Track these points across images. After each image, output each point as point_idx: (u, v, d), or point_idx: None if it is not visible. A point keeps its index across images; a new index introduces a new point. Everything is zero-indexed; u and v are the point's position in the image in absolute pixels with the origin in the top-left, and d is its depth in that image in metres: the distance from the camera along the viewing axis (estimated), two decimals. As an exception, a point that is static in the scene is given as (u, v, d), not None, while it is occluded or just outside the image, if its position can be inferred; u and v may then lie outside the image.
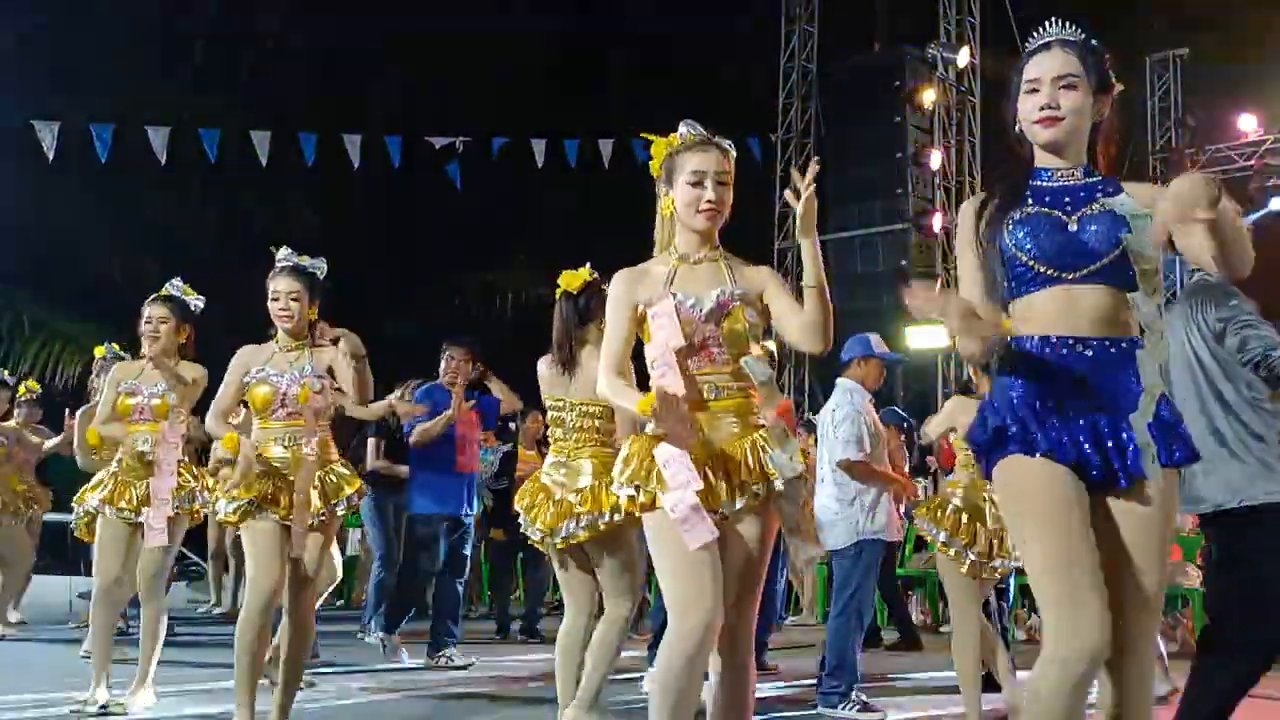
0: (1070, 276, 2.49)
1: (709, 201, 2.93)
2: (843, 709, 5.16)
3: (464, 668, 6.50)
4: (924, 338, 13.25)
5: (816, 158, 3.08)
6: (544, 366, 4.30)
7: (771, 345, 12.01)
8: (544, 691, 5.82)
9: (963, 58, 13.79)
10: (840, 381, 5.50)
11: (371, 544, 7.82)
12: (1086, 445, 2.43)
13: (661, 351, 2.87)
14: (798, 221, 2.81)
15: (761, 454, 2.84)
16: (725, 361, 2.90)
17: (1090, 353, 2.47)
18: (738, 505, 2.83)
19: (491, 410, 7.05)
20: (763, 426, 2.90)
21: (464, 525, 6.84)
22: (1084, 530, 2.39)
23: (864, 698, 5.21)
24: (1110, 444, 2.43)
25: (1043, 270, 2.50)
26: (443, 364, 6.71)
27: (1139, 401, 2.45)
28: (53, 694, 4.96)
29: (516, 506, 4.22)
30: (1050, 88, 2.52)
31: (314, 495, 4.00)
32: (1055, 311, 2.49)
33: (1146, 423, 2.43)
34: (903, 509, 7.07)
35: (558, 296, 4.29)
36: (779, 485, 2.82)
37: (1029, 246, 2.49)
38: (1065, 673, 2.28)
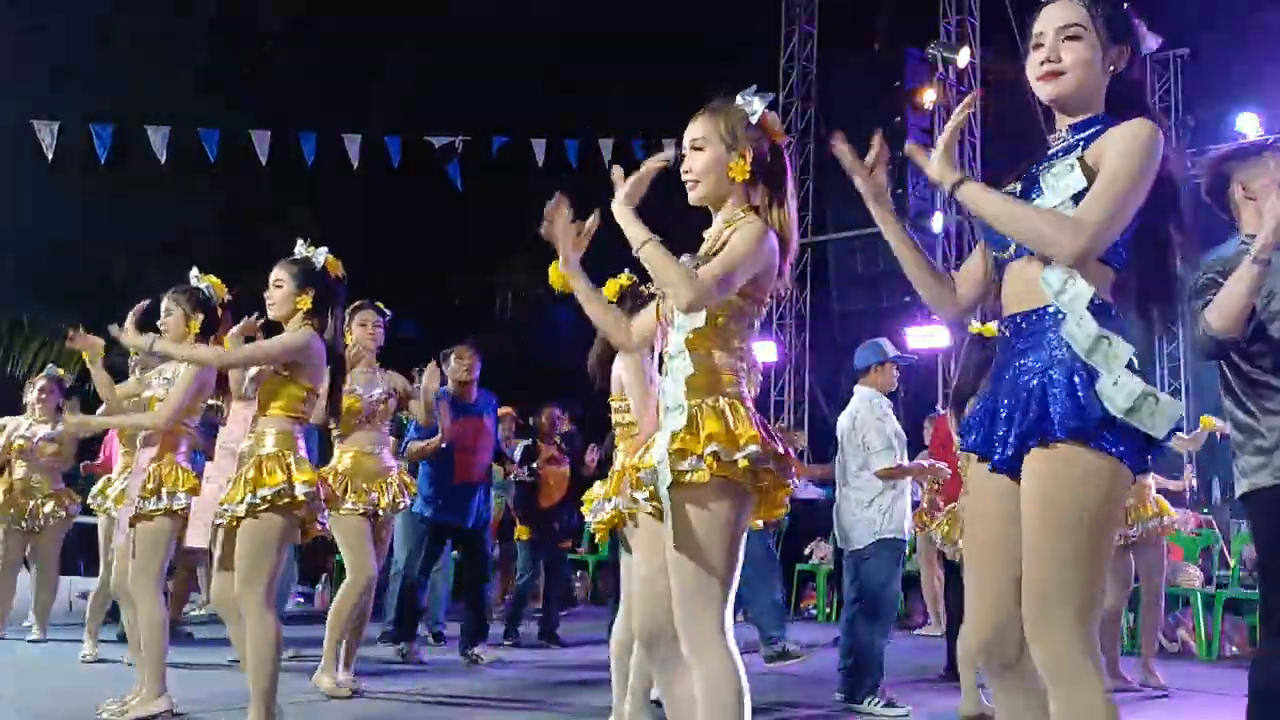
0: (1005, 255, 2.40)
1: (684, 172, 2.92)
2: (869, 704, 5.24)
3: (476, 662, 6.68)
4: (924, 338, 13.23)
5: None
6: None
7: (772, 349, 11.89)
8: (559, 694, 5.82)
9: (963, 58, 13.77)
10: (858, 389, 5.64)
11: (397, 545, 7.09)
12: (998, 430, 2.33)
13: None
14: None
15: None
16: (676, 344, 2.76)
17: (1008, 331, 2.39)
18: (639, 500, 2.89)
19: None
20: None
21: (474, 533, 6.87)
22: (987, 537, 2.38)
23: (890, 693, 5.31)
24: (1003, 423, 2.32)
25: (992, 252, 2.45)
26: (451, 362, 6.85)
27: (1048, 374, 2.26)
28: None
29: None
30: (1053, 39, 2.34)
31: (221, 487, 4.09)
32: (1006, 294, 2.41)
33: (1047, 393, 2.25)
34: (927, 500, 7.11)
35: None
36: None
37: (977, 226, 2.43)
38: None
